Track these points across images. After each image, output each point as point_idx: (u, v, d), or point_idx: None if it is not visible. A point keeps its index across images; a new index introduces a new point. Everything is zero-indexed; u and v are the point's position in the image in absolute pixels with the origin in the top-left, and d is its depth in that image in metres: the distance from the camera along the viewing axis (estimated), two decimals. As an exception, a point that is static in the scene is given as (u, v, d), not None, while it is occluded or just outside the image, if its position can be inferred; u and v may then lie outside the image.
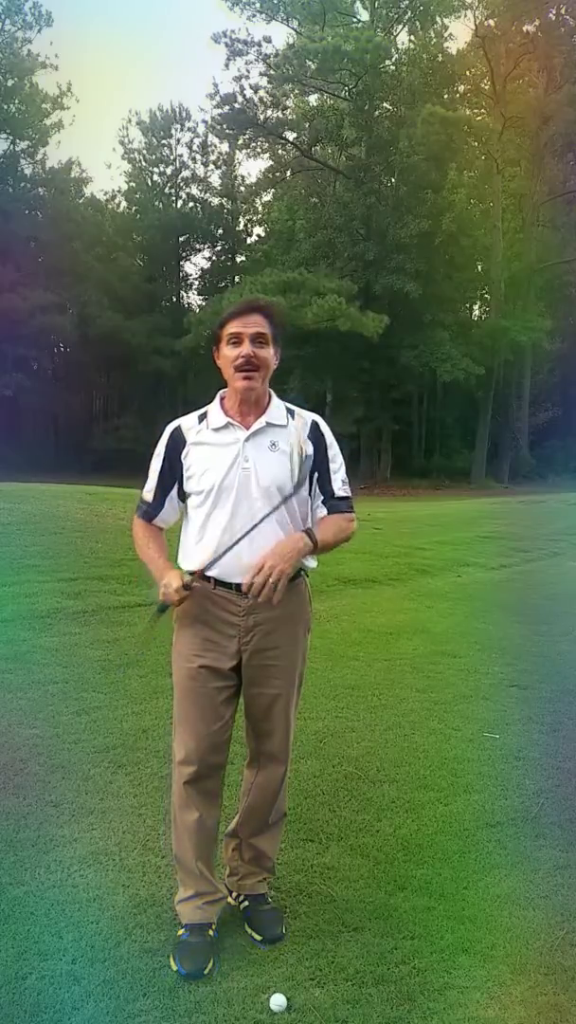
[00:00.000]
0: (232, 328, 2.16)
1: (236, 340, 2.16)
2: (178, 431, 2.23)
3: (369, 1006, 1.97)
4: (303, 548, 2.12)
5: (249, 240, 39.95)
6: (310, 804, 3.03)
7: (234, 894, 2.37)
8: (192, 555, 2.21)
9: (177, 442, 2.22)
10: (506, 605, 7.06)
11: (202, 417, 2.24)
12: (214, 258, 40.18)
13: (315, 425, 2.27)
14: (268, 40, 31.78)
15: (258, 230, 40.16)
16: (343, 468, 2.30)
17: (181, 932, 2.18)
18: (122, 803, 2.97)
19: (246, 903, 2.34)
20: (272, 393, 2.27)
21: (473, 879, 2.55)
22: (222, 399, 2.26)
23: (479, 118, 33.38)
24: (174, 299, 39.63)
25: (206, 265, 40.33)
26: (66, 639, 5.14)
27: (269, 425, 2.20)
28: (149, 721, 3.76)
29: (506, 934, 2.27)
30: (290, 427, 2.23)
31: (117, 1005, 1.95)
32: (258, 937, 2.23)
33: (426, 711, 4.11)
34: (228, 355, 2.17)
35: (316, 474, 2.25)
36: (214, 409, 2.24)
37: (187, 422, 2.24)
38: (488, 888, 2.50)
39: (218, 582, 2.17)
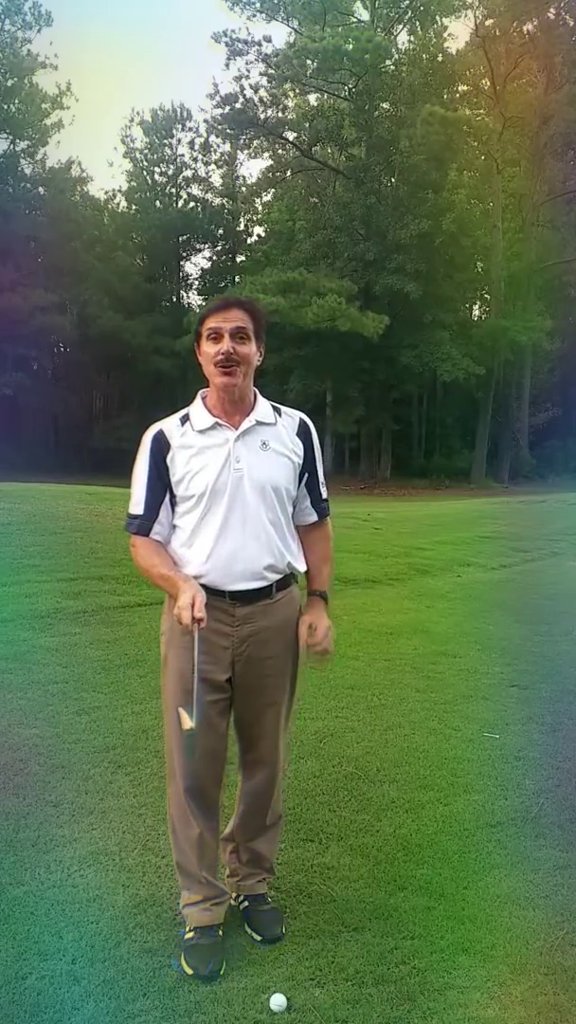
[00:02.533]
0: (211, 323, 2.07)
1: (215, 336, 2.07)
2: (161, 435, 2.10)
3: (369, 1006, 1.97)
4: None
5: (249, 240, 40.00)
6: (310, 804, 3.02)
7: (234, 894, 2.36)
8: (182, 562, 2.10)
9: (161, 446, 2.09)
10: (506, 605, 7.05)
11: (184, 419, 2.13)
12: (214, 258, 40.23)
13: (303, 424, 2.22)
14: (268, 40, 31.93)
15: (258, 230, 40.26)
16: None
17: (189, 935, 2.16)
18: (122, 803, 2.97)
19: (246, 903, 2.33)
20: (257, 391, 2.20)
21: (473, 879, 2.55)
22: (204, 399, 2.17)
23: (479, 118, 33.35)
24: (174, 299, 39.66)
25: (206, 265, 40.41)
26: (66, 639, 5.14)
27: (259, 424, 2.13)
28: (149, 721, 3.75)
29: (506, 934, 2.27)
30: (279, 425, 2.17)
31: (117, 1005, 1.95)
32: (258, 937, 2.22)
33: (426, 711, 4.11)
34: (208, 351, 2.08)
35: (306, 475, 2.21)
36: (197, 410, 2.14)
37: (168, 425, 2.13)
38: (488, 888, 2.50)
39: (210, 591, 2.05)
